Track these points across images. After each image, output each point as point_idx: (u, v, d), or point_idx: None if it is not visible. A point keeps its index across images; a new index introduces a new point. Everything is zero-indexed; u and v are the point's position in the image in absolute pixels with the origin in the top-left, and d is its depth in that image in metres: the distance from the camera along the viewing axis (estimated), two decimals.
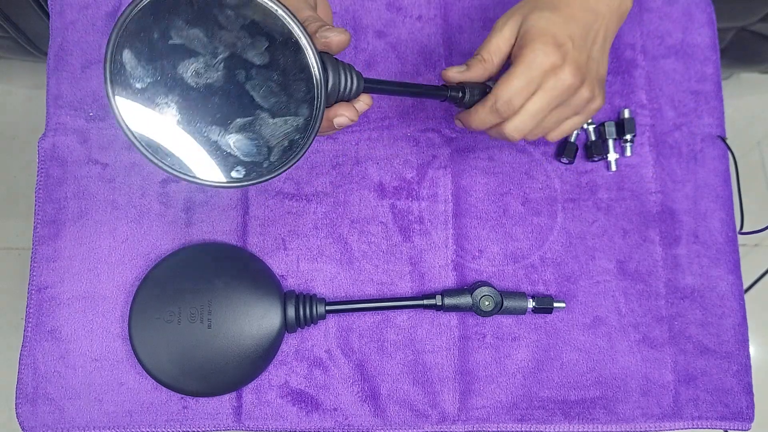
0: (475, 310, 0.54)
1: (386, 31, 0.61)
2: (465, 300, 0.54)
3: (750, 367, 0.57)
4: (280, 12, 0.41)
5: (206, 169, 0.40)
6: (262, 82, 0.41)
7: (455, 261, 0.57)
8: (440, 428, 0.55)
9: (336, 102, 0.44)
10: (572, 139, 0.59)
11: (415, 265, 0.57)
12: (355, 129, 0.59)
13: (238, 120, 0.40)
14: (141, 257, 0.56)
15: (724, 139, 0.60)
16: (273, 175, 0.40)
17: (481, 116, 0.48)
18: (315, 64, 0.41)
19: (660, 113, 0.60)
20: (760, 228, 0.59)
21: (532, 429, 0.55)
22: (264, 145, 0.41)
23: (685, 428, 0.56)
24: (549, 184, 0.59)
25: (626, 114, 0.59)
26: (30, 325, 0.55)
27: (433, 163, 0.59)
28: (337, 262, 0.57)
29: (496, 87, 0.46)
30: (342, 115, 0.43)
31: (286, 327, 0.53)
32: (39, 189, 0.58)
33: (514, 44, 0.47)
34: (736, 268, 0.58)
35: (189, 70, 0.39)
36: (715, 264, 0.58)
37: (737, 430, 0.56)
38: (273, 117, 0.41)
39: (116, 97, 0.37)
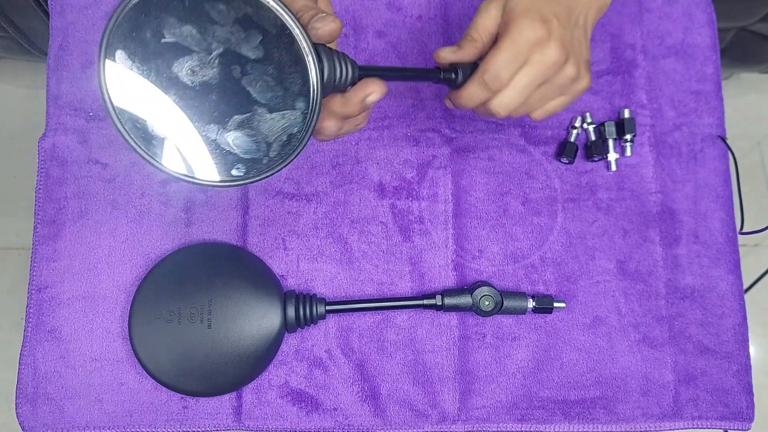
0: (475, 310, 0.54)
1: (386, 31, 0.61)
2: (465, 300, 0.54)
3: (750, 367, 0.57)
4: (271, 3, 0.40)
5: (206, 168, 0.39)
6: (258, 77, 0.40)
7: (455, 261, 0.57)
8: (440, 428, 0.55)
9: (332, 92, 0.44)
10: (572, 139, 0.59)
11: (415, 265, 0.57)
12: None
13: (236, 117, 0.40)
14: (141, 257, 0.56)
15: (724, 139, 0.60)
16: (273, 172, 0.40)
17: (470, 92, 0.48)
18: (309, 56, 0.41)
19: (660, 113, 0.60)
20: (760, 228, 0.59)
21: (532, 429, 0.55)
22: (263, 141, 0.40)
23: (685, 428, 0.56)
24: (549, 184, 0.59)
25: (626, 114, 0.59)
26: (30, 325, 0.55)
27: (433, 163, 0.59)
28: (337, 262, 0.57)
29: (484, 61, 0.46)
30: (373, 91, 0.43)
31: (286, 327, 0.53)
32: (39, 189, 0.58)
33: (500, 22, 0.47)
34: (736, 268, 0.58)
35: (184, 68, 0.39)
36: (715, 264, 0.58)
37: (737, 430, 0.56)
38: (270, 112, 0.41)
39: (113, 100, 0.37)
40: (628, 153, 0.59)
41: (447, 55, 0.49)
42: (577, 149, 0.59)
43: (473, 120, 0.60)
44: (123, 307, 0.56)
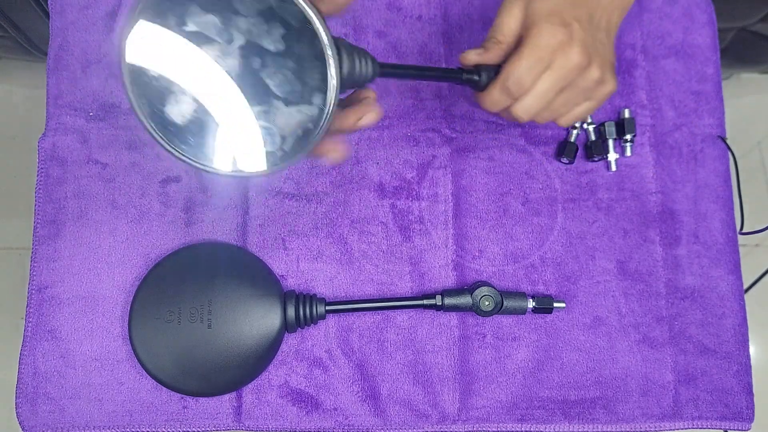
0: (475, 310, 0.54)
1: (386, 31, 0.61)
2: (465, 300, 0.54)
3: (750, 367, 0.57)
4: (300, 6, 0.40)
5: (221, 158, 0.40)
6: (277, 70, 0.40)
7: (455, 261, 0.57)
8: (440, 428, 0.55)
9: (350, 88, 0.44)
10: (572, 139, 0.59)
11: (415, 265, 0.57)
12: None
13: (254, 108, 0.40)
14: (141, 257, 0.56)
15: (724, 139, 0.60)
16: (287, 164, 0.41)
17: (493, 97, 0.48)
18: (329, 51, 0.41)
19: (660, 113, 0.60)
20: (760, 228, 0.59)
21: (532, 429, 0.55)
22: (278, 134, 0.41)
23: (685, 428, 0.56)
24: (549, 184, 0.59)
25: (626, 114, 0.59)
26: (30, 325, 0.55)
27: (433, 163, 0.59)
28: (337, 262, 0.57)
29: (506, 67, 0.46)
30: (367, 114, 0.43)
31: (286, 327, 0.53)
32: (39, 189, 0.58)
33: (522, 23, 0.47)
34: (736, 269, 0.58)
35: (205, 57, 0.39)
36: (716, 264, 0.58)
37: (737, 430, 0.56)
38: (287, 105, 0.41)
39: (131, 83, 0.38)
40: (628, 153, 0.59)
41: (472, 57, 0.49)
42: (577, 149, 0.59)
43: (473, 120, 0.60)
44: (123, 307, 0.56)
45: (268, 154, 0.41)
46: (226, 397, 0.55)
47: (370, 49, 0.60)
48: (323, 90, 0.41)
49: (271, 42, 0.40)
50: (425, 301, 0.55)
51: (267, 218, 0.57)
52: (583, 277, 0.57)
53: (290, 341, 0.55)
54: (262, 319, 0.52)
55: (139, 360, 0.52)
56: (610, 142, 0.59)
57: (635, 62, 0.61)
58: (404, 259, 0.57)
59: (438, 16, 0.61)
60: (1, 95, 1.23)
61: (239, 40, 0.40)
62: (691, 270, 0.58)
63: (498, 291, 0.55)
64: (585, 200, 0.59)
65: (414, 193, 0.58)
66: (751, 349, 0.58)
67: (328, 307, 0.54)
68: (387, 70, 0.46)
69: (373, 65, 0.44)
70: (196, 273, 0.53)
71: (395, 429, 0.55)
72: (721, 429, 0.56)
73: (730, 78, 1.21)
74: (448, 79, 0.50)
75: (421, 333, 0.56)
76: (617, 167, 0.59)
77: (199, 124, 0.40)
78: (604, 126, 0.59)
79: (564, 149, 0.58)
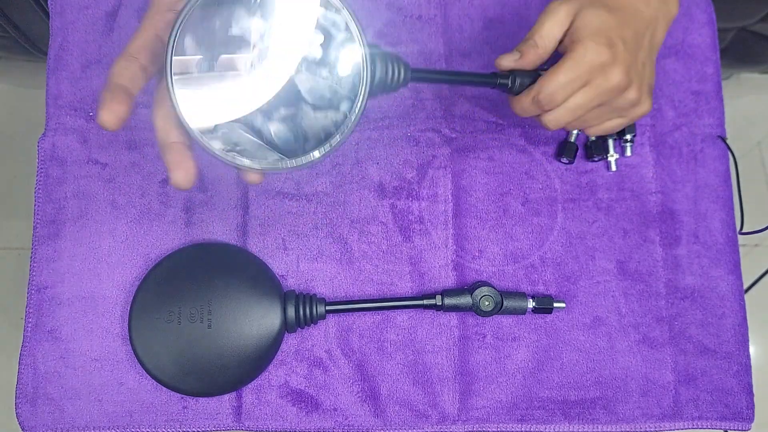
0: (475, 310, 0.54)
1: (386, 31, 0.61)
2: (465, 300, 0.54)
3: (750, 367, 0.57)
4: (340, 5, 0.41)
5: (243, 152, 0.41)
6: (310, 77, 0.42)
7: (455, 261, 0.57)
8: (440, 428, 0.55)
9: (381, 93, 0.45)
10: (572, 139, 0.59)
11: (415, 265, 0.57)
12: (355, 129, 0.59)
13: (281, 110, 0.42)
14: (141, 257, 0.56)
15: (724, 139, 0.60)
16: (305, 165, 0.42)
17: (523, 105, 0.48)
18: (364, 63, 0.42)
19: (660, 113, 0.60)
20: (760, 228, 0.59)
21: (532, 429, 0.55)
22: (301, 136, 0.42)
23: (685, 428, 0.56)
24: (549, 184, 0.59)
25: None
26: (30, 325, 0.55)
27: (433, 163, 0.59)
28: (337, 262, 0.57)
29: (541, 79, 0.46)
30: (175, 174, 0.41)
31: (286, 327, 0.53)
32: (39, 189, 0.58)
33: (566, 33, 0.47)
34: (736, 269, 0.58)
35: (244, 59, 0.41)
36: (715, 264, 0.58)
37: (737, 430, 0.56)
38: (314, 110, 0.42)
39: (175, 82, 0.39)
40: (628, 153, 0.59)
41: (508, 63, 0.48)
42: (577, 149, 0.59)
43: (473, 120, 0.60)
44: (123, 307, 0.56)
45: (288, 152, 0.42)
46: (226, 397, 0.55)
47: None
48: (351, 98, 0.42)
49: (310, 50, 0.41)
50: (425, 301, 0.55)
51: (267, 218, 0.57)
52: (583, 277, 0.57)
53: (290, 341, 0.55)
54: (262, 319, 0.52)
55: (139, 360, 0.52)
56: (610, 142, 0.58)
57: None
58: (404, 259, 0.57)
59: (438, 16, 0.61)
60: (1, 95, 1.23)
61: (279, 46, 0.41)
62: (691, 270, 0.58)
63: (498, 291, 0.55)
64: (585, 200, 0.59)
65: (414, 193, 0.58)
66: (751, 349, 0.58)
67: (328, 307, 0.54)
68: (420, 75, 0.47)
69: (405, 71, 0.45)
70: (196, 273, 0.53)
71: (395, 429, 0.55)
72: (721, 429, 0.56)
73: (730, 78, 1.21)
74: (481, 84, 0.50)
75: (421, 333, 0.56)
76: (617, 167, 0.59)
77: (228, 123, 0.41)
78: None
79: (564, 149, 0.58)
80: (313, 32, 0.42)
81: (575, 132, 0.59)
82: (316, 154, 0.42)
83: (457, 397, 0.55)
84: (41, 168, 0.58)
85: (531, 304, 0.55)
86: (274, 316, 0.53)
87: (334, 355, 0.55)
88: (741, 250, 0.59)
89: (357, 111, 0.42)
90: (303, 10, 0.41)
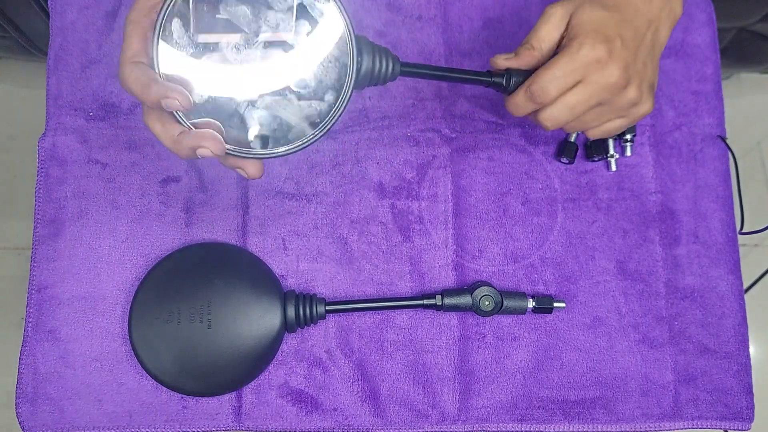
0: (475, 310, 0.54)
1: (386, 31, 0.61)
2: (465, 300, 0.54)
3: (750, 367, 0.57)
4: (332, 0, 0.42)
5: (227, 137, 0.42)
6: (296, 65, 0.42)
7: (455, 261, 0.57)
8: (440, 428, 0.55)
9: (368, 86, 0.45)
10: (572, 139, 0.59)
11: (415, 265, 0.57)
12: (355, 129, 0.59)
13: (266, 97, 0.42)
14: (141, 257, 0.56)
15: (724, 139, 0.60)
16: (287, 152, 0.42)
17: (516, 101, 0.47)
18: (350, 53, 0.42)
19: (660, 113, 0.60)
20: (760, 228, 0.59)
21: (532, 429, 0.55)
22: (285, 124, 0.42)
23: (685, 428, 0.56)
24: (549, 184, 0.59)
25: None
26: (30, 325, 0.55)
27: (433, 163, 0.59)
28: (337, 262, 0.57)
29: (536, 73, 0.46)
30: (206, 147, 0.40)
31: (286, 327, 0.53)
32: (39, 189, 0.58)
33: (564, 33, 0.47)
34: (736, 268, 0.58)
35: (229, 44, 0.41)
36: (715, 264, 0.58)
37: (737, 430, 0.56)
38: (299, 99, 0.42)
39: (158, 63, 0.40)
40: (628, 153, 0.59)
41: (502, 62, 0.48)
42: (577, 149, 0.59)
43: (473, 120, 0.60)
44: (123, 307, 0.56)
45: (271, 140, 0.42)
46: (226, 397, 0.55)
47: None
48: (337, 88, 0.42)
49: (296, 38, 0.42)
50: (425, 301, 0.55)
51: (267, 218, 0.57)
52: (583, 277, 0.57)
53: (290, 341, 0.55)
54: (262, 319, 0.52)
55: (139, 360, 0.52)
56: (610, 142, 0.58)
57: None
58: (404, 259, 0.57)
59: (438, 16, 0.61)
60: (1, 95, 1.23)
61: (265, 33, 0.41)
62: (691, 270, 0.58)
63: (498, 291, 0.55)
64: (585, 200, 0.59)
65: (414, 193, 0.58)
66: (751, 349, 0.58)
67: (328, 307, 0.54)
68: (410, 70, 0.47)
69: (394, 65, 0.45)
70: (196, 273, 0.53)
71: (395, 429, 0.55)
72: (721, 429, 0.56)
73: (730, 78, 1.21)
74: (474, 82, 0.50)
75: (420, 333, 0.56)
76: (617, 167, 0.59)
77: (214, 108, 0.41)
78: None
79: (564, 149, 0.58)
80: (300, 21, 0.42)
81: (575, 132, 0.59)
82: (288, 147, 0.42)
83: (457, 397, 0.55)
84: (41, 168, 0.58)
85: (531, 303, 0.55)
86: (274, 316, 0.53)
87: (334, 355, 0.55)
88: (741, 250, 0.59)
89: (342, 101, 0.42)
90: None
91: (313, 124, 0.42)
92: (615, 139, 0.59)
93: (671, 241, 0.58)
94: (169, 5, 0.40)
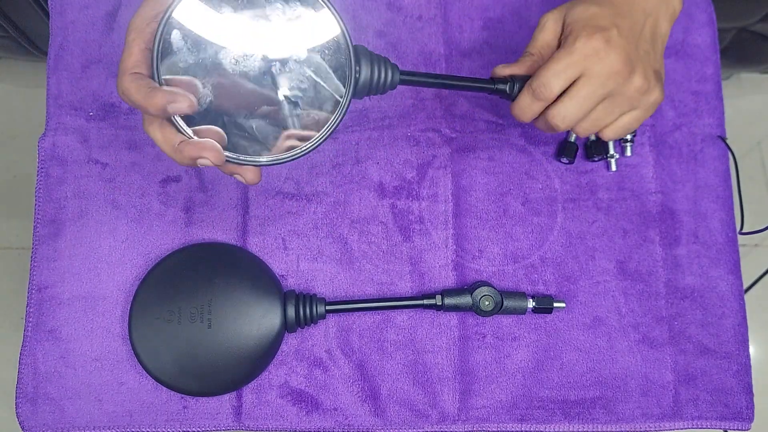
0: (475, 310, 0.54)
1: (386, 31, 0.61)
2: (465, 300, 0.54)
3: (750, 367, 0.57)
4: (326, 6, 0.42)
5: (226, 146, 0.42)
6: (294, 76, 0.42)
7: (455, 261, 0.57)
8: (440, 428, 0.55)
9: (367, 95, 0.45)
10: (572, 139, 0.59)
11: (415, 265, 0.57)
12: (355, 129, 0.59)
13: (264, 107, 0.42)
14: (141, 257, 0.56)
15: (724, 139, 0.60)
16: (284, 161, 0.42)
17: (521, 103, 0.47)
18: (348, 65, 0.42)
19: (660, 113, 0.60)
20: (760, 228, 0.59)
21: (532, 429, 0.55)
22: (281, 133, 0.43)
23: (685, 428, 0.56)
24: (549, 184, 0.59)
25: None
26: (30, 325, 0.55)
27: (433, 163, 0.59)
28: (337, 262, 0.57)
29: (536, 71, 0.46)
30: (205, 158, 0.41)
31: (286, 327, 0.53)
32: (39, 189, 0.58)
33: (561, 36, 0.47)
34: (736, 268, 0.58)
35: (229, 56, 0.41)
36: (715, 264, 0.58)
37: (737, 430, 0.56)
38: (296, 108, 0.43)
39: (161, 70, 0.40)
40: (628, 153, 0.59)
41: (503, 70, 0.48)
42: (577, 149, 0.59)
43: (473, 120, 0.60)
44: (123, 307, 0.56)
45: (268, 148, 0.43)
46: (226, 397, 0.55)
47: (369, 48, 0.60)
48: (335, 99, 0.42)
49: (295, 49, 0.42)
50: (425, 301, 0.55)
51: (267, 218, 0.57)
52: (583, 277, 0.57)
53: (290, 341, 0.55)
54: (262, 318, 0.52)
55: (139, 360, 0.52)
56: (610, 142, 0.58)
57: None
58: (404, 259, 0.57)
59: (438, 16, 0.61)
60: (1, 95, 1.23)
61: (264, 45, 0.42)
62: (691, 270, 0.58)
63: (498, 291, 0.55)
64: (585, 200, 0.59)
65: (414, 193, 0.58)
66: (751, 349, 0.58)
67: (328, 307, 0.54)
68: (411, 79, 0.47)
69: (393, 74, 0.45)
70: (196, 273, 0.53)
71: (395, 429, 0.55)
72: (721, 429, 0.56)
73: (730, 78, 1.21)
74: (478, 89, 0.50)
75: (421, 333, 0.56)
76: (617, 167, 0.59)
77: (213, 114, 0.42)
78: None
79: (564, 149, 0.58)
80: (299, 32, 0.42)
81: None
82: (297, 151, 0.42)
83: (457, 397, 0.55)
84: (41, 168, 0.58)
85: (531, 303, 0.55)
86: (274, 315, 0.53)
87: (334, 355, 0.55)
88: (741, 250, 0.59)
89: (340, 111, 0.43)
90: (289, 9, 0.42)
91: (311, 134, 0.43)
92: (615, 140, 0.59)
93: (671, 241, 0.58)
94: (168, 16, 0.40)
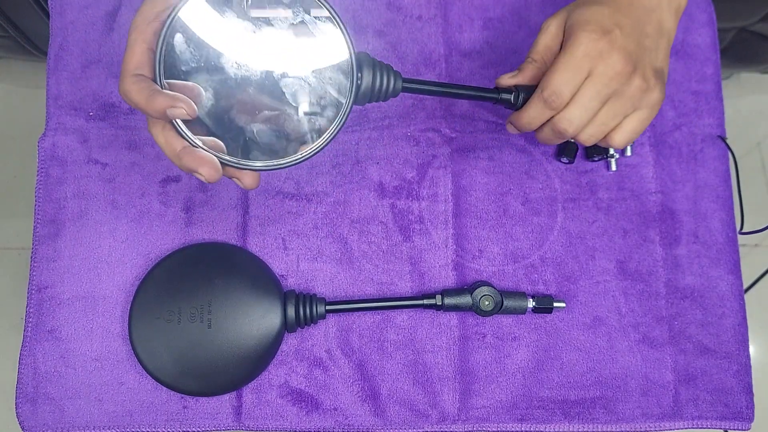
0: (475, 309, 0.54)
1: (386, 31, 0.61)
2: (465, 300, 0.54)
3: (750, 367, 0.57)
4: (328, 12, 0.42)
5: (227, 149, 0.42)
6: (296, 82, 0.42)
7: (455, 261, 0.57)
8: (440, 428, 0.55)
9: (369, 102, 0.45)
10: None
11: (415, 264, 0.57)
12: (355, 129, 0.59)
13: (265, 112, 0.42)
14: (141, 257, 0.56)
15: (724, 139, 0.60)
16: (286, 166, 0.42)
17: (531, 113, 0.47)
18: (350, 71, 0.42)
19: (660, 113, 0.60)
20: (760, 228, 0.59)
21: (532, 429, 0.55)
22: (284, 138, 0.43)
23: (685, 428, 0.56)
24: (549, 184, 0.59)
25: None
26: (30, 325, 0.55)
27: (433, 163, 0.59)
28: (337, 261, 0.57)
29: (543, 79, 0.45)
30: (200, 174, 0.41)
31: (286, 327, 0.53)
32: (39, 189, 0.58)
33: (563, 40, 0.46)
34: (736, 268, 0.58)
35: (231, 61, 0.41)
36: (715, 264, 0.58)
37: (737, 430, 0.56)
38: (298, 114, 0.43)
39: (163, 73, 0.40)
40: (628, 153, 0.59)
41: (507, 80, 0.48)
42: (577, 149, 0.59)
43: (473, 120, 0.60)
44: (123, 307, 0.56)
45: (270, 153, 0.43)
46: (226, 397, 0.55)
47: (369, 49, 0.60)
48: (336, 105, 0.42)
49: (297, 54, 0.42)
50: (425, 301, 0.55)
51: (267, 218, 0.57)
52: (583, 277, 0.57)
53: (290, 341, 0.55)
54: (262, 318, 0.52)
55: (139, 360, 0.52)
56: None
57: None
58: (404, 259, 0.57)
59: (438, 16, 0.61)
60: (1, 95, 1.23)
61: (267, 50, 0.42)
62: (691, 270, 0.58)
63: (498, 291, 0.55)
64: (585, 200, 0.59)
65: (414, 192, 0.58)
66: (751, 349, 0.58)
67: (328, 307, 0.54)
68: (414, 87, 0.47)
69: (395, 82, 0.45)
70: (196, 273, 0.53)
71: (395, 429, 0.55)
72: (721, 429, 0.56)
73: (730, 78, 1.21)
74: (482, 99, 0.49)
75: (421, 333, 0.56)
76: (617, 167, 0.59)
77: (215, 119, 0.42)
78: None
79: (564, 149, 0.58)
80: (302, 38, 0.42)
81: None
82: (297, 156, 0.43)
83: (457, 397, 0.55)
84: (41, 168, 0.58)
85: (531, 303, 0.55)
86: (274, 315, 0.53)
87: (334, 355, 0.55)
88: (741, 250, 0.59)
89: (341, 117, 0.43)
90: (292, 15, 0.42)
91: (312, 139, 0.43)
92: None
93: (671, 241, 0.58)
94: (172, 18, 0.40)
